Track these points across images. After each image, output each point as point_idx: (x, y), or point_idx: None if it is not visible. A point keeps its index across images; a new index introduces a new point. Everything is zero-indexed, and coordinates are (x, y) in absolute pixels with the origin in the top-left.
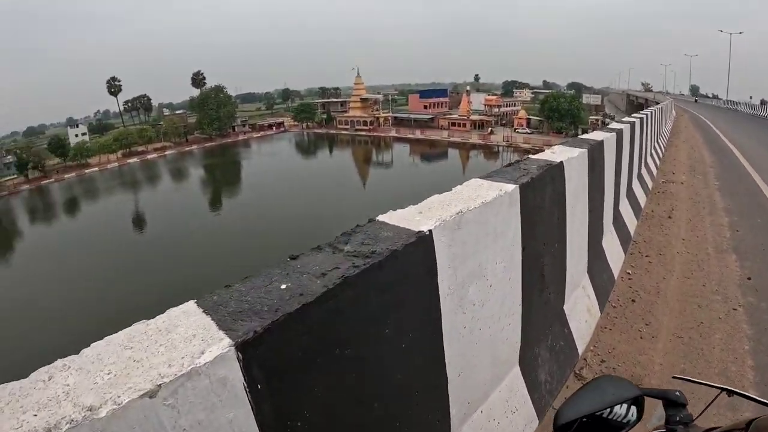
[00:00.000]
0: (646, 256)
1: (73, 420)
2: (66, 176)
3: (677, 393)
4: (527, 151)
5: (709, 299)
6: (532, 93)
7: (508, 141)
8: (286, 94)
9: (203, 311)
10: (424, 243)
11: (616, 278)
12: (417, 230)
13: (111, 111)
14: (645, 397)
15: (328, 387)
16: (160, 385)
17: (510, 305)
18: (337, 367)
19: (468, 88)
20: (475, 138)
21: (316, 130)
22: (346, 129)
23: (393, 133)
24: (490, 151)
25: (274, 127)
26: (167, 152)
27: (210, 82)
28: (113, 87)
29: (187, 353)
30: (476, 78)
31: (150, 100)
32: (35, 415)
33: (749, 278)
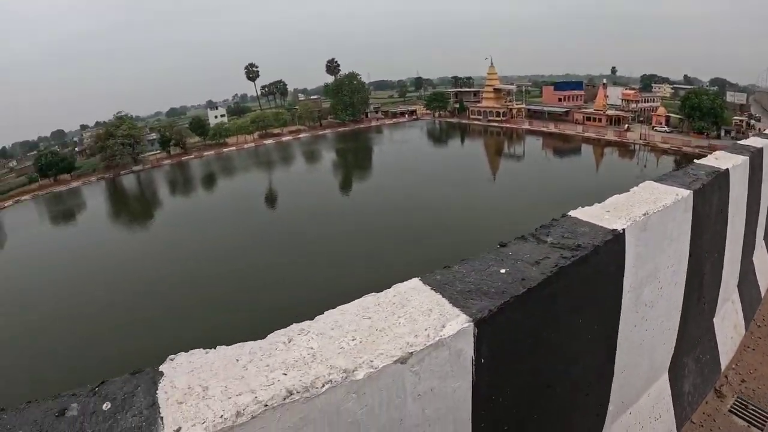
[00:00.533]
0: None
1: (330, 380)
2: (205, 154)
3: None
4: (665, 152)
5: None
6: (672, 88)
7: (645, 139)
8: (419, 83)
9: (431, 288)
10: (617, 241)
11: (763, 296)
12: (611, 228)
13: (248, 95)
14: None
15: (531, 367)
16: (411, 353)
17: (672, 310)
18: (540, 350)
19: (604, 81)
20: (610, 134)
21: (448, 119)
22: (478, 119)
23: (526, 126)
24: (625, 149)
25: (406, 115)
26: (301, 135)
27: (344, 70)
28: (251, 72)
29: (429, 325)
30: (613, 70)
31: (286, 85)
32: (285, 374)
33: None
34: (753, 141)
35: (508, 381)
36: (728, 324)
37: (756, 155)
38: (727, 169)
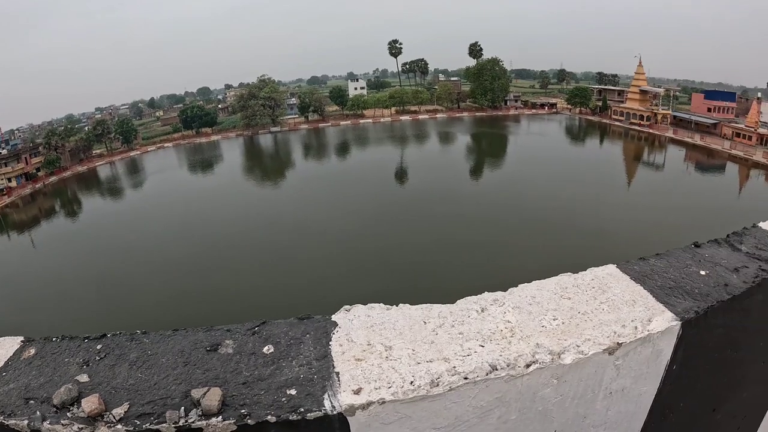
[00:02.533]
0: None
1: (536, 360)
2: (342, 123)
3: None
4: None
5: None
6: None
7: None
8: (562, 75)
9: (631, 278)
10: None
11: None
12: None
13: (389, 71)
14: None
15: (708, 385)
16: (620, 344)
17: None
18: (722, 367)
19: (759, 94)
20: (759, 155)
21: (589, 117)
22: (620, 120)
23: (670, 133)
24: None
25: (545, 107)
26: (438, 115)
27: (487, 54)
28: (394, 49)
29: (636, 317)
30: None
31: (427, 64)
32: (482, 346)
33: None
34: None
35: (687, 394)
36: None
37: None
38: None
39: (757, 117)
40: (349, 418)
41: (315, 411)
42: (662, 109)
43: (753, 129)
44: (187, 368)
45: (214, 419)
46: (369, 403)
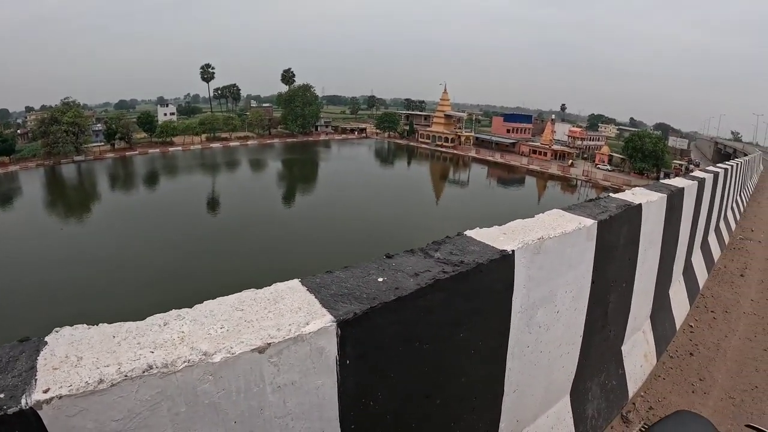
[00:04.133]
0: (711, 311)
1: (189, 360)
2: (150, 151)
3: None
4: (605, 189)
5: None
6: (617, 129)
7: (587, 176)
8: (371, 101)
9: (307, 289)
10: (506, 261)
11: (677, 329)
12: (501, 248)
13: (201, 96)
14: None
15: (404, 375)
16: (269, 343)
17: (572, 335)
18: (415, 359)
19: (553, 116)
20: (554, 168)
21: (397, 141)
22: (426, 143)
23: (473, 153)
24: (567, 184)
25: (356, 132)
26: (249, 142)
27: (299, 80)
28: (206, 73)
29: (294, 321)
30: (563, 108)
31: (239, 90)
32: (152, 352)
33: None
34: (677, 181)
35: (378, 385)
36: (638, 352)
37: (676, 194)
38: (640, 204)
39: (551, 136)
40: (39, 412)
41: (13, 407)
42: (466, 132)
43: (548, 146)
44: None
45: None
46: (51, 399)
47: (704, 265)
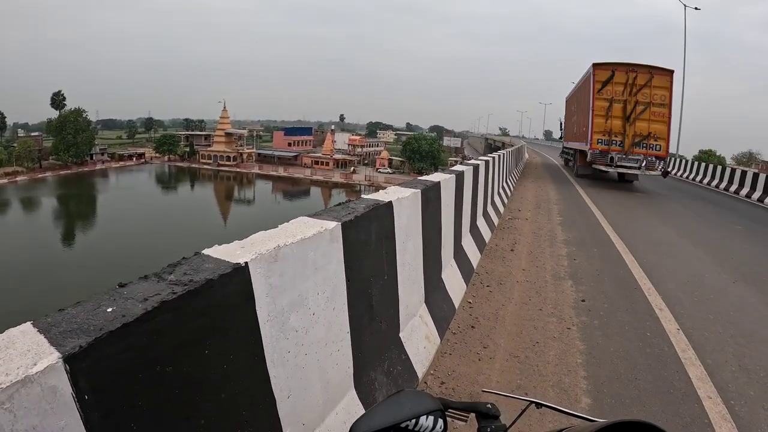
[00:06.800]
0: (487, 285)
1: None
2: None
3: (489, 405)
4: None
5: (545, 321)
6: (395, 134)
7: (369, 180)
8: (149, 124)
9: (38, 330)
10: (241, 273)
11: (456, 307)
12: (234, 262)
13: None
14: (451, 409)
15: (153, 400)
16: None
17: (337, 332)
18: (161, 382)
19: (333, 127)
20: (337, 177)
21: (178, 164)
22: (208, 163)
23: (256, 170)
24: (351, 190)
25: (134, 158)
26: (19, 178)
27: (71, 104)
28: None
29: (22, 364)
30: (342, 118)
31: (4, 118)
32: None
33: (583, 300)
34: (434, 176)
35: (128, 415)
36: (418, 336)
37: (431, 188)
38: (390, 202)
39: (332, 146)
40: None
41: None
42: (247, 149)
43: (329, 156)
44: None
45: None
46: None
47: (476, 246)
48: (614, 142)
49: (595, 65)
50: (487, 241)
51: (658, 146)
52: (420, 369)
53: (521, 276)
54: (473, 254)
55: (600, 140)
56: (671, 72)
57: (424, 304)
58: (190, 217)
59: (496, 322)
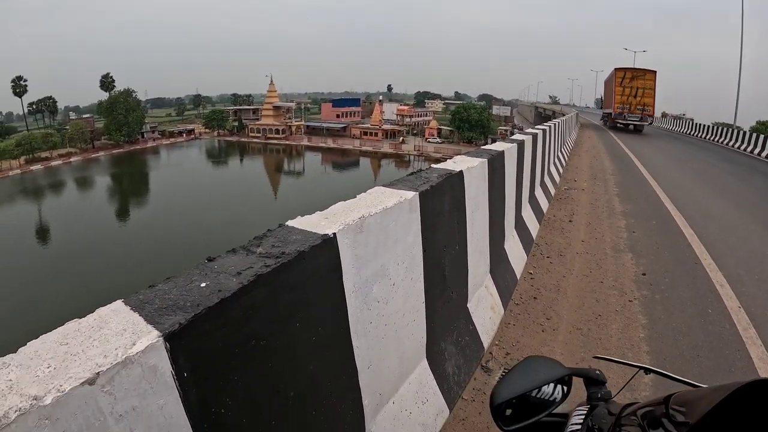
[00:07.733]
0: (548, 257)
1: (20, 408)
2: None
3: (597, 372)
4: (438, 160)
5: (606, 294)
6: (443, 104)
7: (419, 150)
8: (198, 100)
9: (131, 309)
10: (329, 245)
11: (518, 278)
12: (322, 233)
13: (14, 113)
14: (571, 376)
15: (247, 376)
16: (98, 373)
17: (414, 303)
18: (255, 358)
19: (381, 97)
20: (386, 147)
21: (228, 138)
22: (257, 137)
23: (305, 142)
24: (401, 160)
25: (184, 134)
26: (72, 159)
27: (120, 86)
28: (18, 87)
29: (120, 345)
30: (389, 88)
31: (56, 102)
32: None
33: (644, 274)
34: (497, 145)
35: (224, 391)
36: (484, 306)
37: (496, 157)
38: (461, 171)
39: (380, 116)
40: None
41: None
42: (296, 121)
43: (378, 126)
44: None
45: None
46: None
47: (534, 217)
48: (626, 107)
49: (616, 69)
50: (545, 212)
51: (648, 110)
52: (486, 339)
53: (581, 247)
54: (533, 225)
55: (618, 107)
56: (655, 72)
57: (489, 275)
58: (242, 188)
59: (558, 293)
